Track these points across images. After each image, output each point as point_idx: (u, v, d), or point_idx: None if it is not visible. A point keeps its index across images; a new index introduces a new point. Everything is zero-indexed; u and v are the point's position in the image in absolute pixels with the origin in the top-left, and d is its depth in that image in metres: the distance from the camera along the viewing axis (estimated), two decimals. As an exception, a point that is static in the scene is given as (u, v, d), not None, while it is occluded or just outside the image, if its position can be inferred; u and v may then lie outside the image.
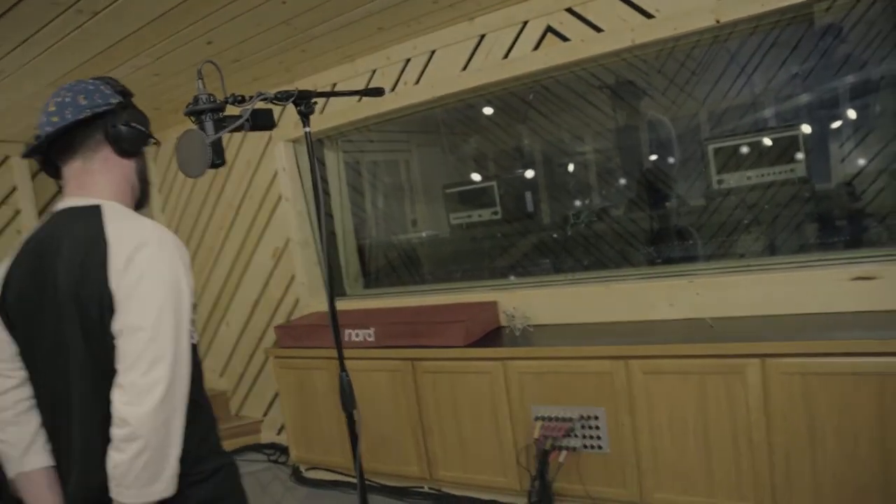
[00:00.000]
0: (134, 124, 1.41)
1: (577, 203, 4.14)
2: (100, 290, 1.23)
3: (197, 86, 1.62)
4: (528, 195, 4.10)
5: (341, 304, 3.97)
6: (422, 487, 3.31)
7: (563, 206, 4.18)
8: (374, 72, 3.56)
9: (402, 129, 4.61)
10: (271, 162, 4.09)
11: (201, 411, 1.39)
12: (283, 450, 4.15)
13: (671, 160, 3.75)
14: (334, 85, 3.71)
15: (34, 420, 1.40)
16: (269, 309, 4.32)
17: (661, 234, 3.69)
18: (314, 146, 4.18)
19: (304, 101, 1.88)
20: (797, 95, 3.24)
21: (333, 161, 4.21)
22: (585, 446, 2.70)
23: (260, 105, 1.73)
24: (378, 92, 2.15)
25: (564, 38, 2.95)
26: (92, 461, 1.27)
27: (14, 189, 4.20)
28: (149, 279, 1.25)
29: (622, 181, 4.00)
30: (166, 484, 1.23)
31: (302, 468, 3.82)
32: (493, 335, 3.16)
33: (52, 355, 1.31)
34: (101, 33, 2.63)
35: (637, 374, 2.55)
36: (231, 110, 1.63)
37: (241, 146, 4.24)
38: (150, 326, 1.22)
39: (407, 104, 3.46)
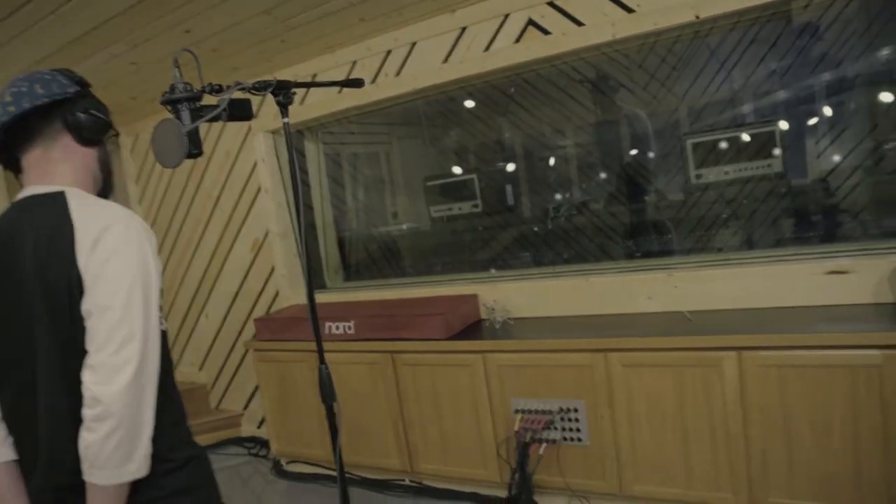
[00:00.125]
0: (93, 112, 1.41)
1: (558, 196, 4.15)
2: (68, 272, 1.23)
3: (173, 74, 1.60)
4: (509, 188, 4.10)
5: (321, 297, 3.95)
6: (403, 480, 3.31)
7: (543, 200, 4.19)
8: (354, 63, 3.54)
9: (383, 121, 4.59)
10: (251, 153, 4.05)
11: (171, 401, 1.38)
12: (264, 443, 4.12)
13: (651, 155, 3.78)
14: (314, 76, 3.68)
15: None
16: (248, 301, 4.28)
17: (641, 228, 3.72)
18: (294, 137, 4.16)
19: (282, 92, 1.86)
20: (775, 92, 3.27)
21: (314, 152, 4.18)
22: (565, 439, 2.72)
23: (238, 95, 1.70)
24: (358, 83, 2.13)
25: (545, 32, 2.95)
26: (60, 448, 1.26)
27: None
28: (117, 258, 1.25)
29: (602, 175, 4.02)
30: (139, 464, 1.23)
31: (282, 461, 3.81)
32: (473, 328, 3.16)
33: (16, 343, 1.30)
34: (75, 20, 2.58)
35: (616, 366, 2.57)
36: (209, 100, 1.61)
37: (221, 137, 4.19)
38: (119, 305, 1.22)
39: (387, 96, 3.44)
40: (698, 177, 3.28)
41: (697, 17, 2.62)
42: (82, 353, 1.22)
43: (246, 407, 4.44)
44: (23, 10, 2.39)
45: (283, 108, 1.89)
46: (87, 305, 1.23)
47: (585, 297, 3.07)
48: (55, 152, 1.38)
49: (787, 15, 2.95)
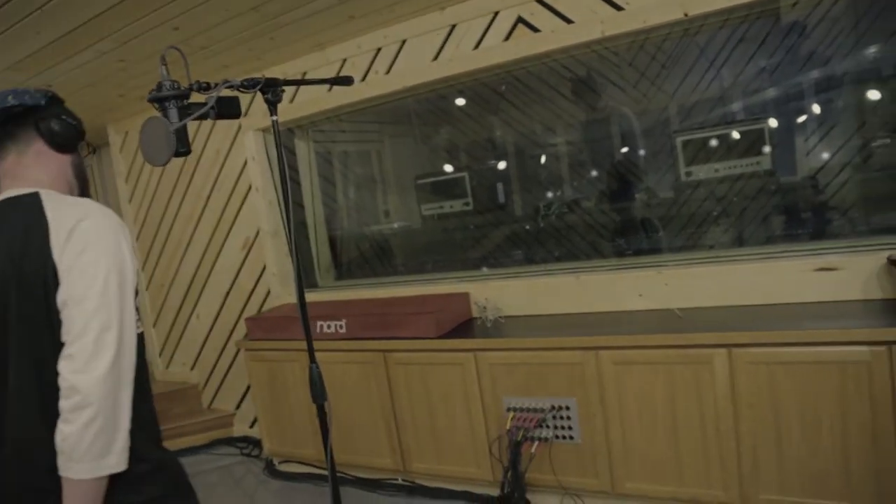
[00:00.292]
0: (65, 118, 1.45)
1: (549, 194, 4.15)
2: (43, 265, 1.23)
3: (160, 72, 1.58)
4: (500, 186, 4.10)
5: (313, 296, 3.94)
6: (395, 479, 3.31)
7: (534, 198, 4.20)
8: (344, 61, 3.53)
9: (373, 120, 4.58)
10: (241, 151, 4.03)
11: (146, 401, 1.38)
12: (256, 443, 4.11)
13: (641, 152, 3.79)
14: (304, 73, 3.67)
15: None
16: (240, 300, 4.26)
17: (631, 226, 3.72)
18: (285, 135, 4.14)
19: (271, 90, 1.84)
20: (764, 90, 3.28)
21: (304, 150, 4.17)
22: (557, 437, 2.72)
23: (226, 92, 1.69)
24: (347, 81, 2.12)
25: (535, 29, 2.95)
26: (29, 449, 1.25)
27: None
28: (92, 249, 1.26)
29: (593, 173, 4.03)
30: (118, 457, 1.22)
31: (275, 461, 3.80)
32: (464, 326, 3.16)
33: None
34: (61, 17, 2.56)
35: (607, 364, 2.58)
36: (197, 98, 1.60)
37: (210, 135, 4.17)
38: (95, 295, 1.23)
39: (378, 94, 3.43)
40: (688, 174, 3.29)
41: (686, 15, 2.62)
42: (55, 352, 1.22)
43: (238, 407, 4.42)
44: (7, 7, 2.36)
45: (272, 106, 1.88)
46: (62, 296, 1.23)
47: (576, 295, 3.08)
48: (28, 157, 1.41)
49: (775, 13, 2.96)
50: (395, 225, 4.60)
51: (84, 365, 1.19)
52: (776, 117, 3.19)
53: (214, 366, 4.50)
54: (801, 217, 3.23)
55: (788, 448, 2.29)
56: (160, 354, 4.84)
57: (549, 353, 2.70)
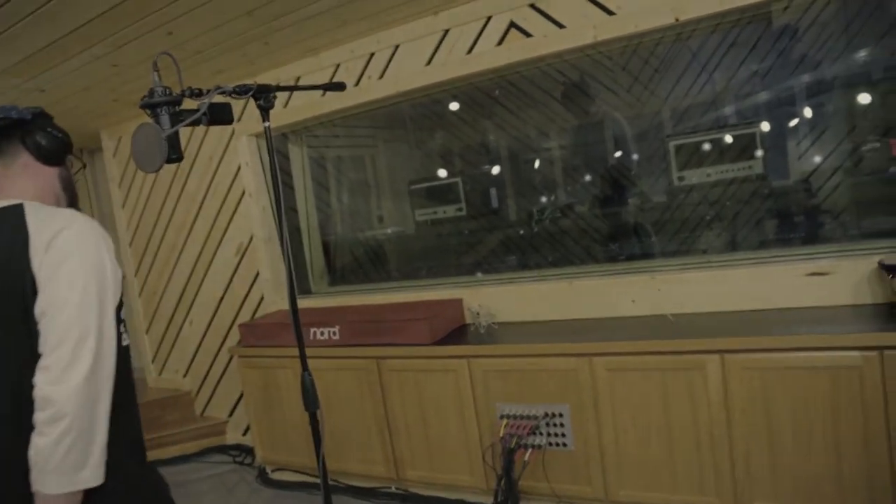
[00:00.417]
0: (51, 131, 1.46)
1: (543, 199, 4.16)
2: (22, 275, 1.23)
3: (152, 78, 1.58)
4: (493, 191, 4.10)
5: (306, 302, 3.93)
6: (389, 488, 3.29)
7: (528, 203, 4.20)
8: (338, 66, 3.52)
9: (367, 124, 4.58)
10: (234, 156, 4.02)
11: (127, 415, 1.37)
12: (249, 451, 4.09)
13: (635, 157, 3.80)
14: (298, 78, 3.66)
15: None
16: (233, 307, 4.25)
17: (624, 231, 3.73)
18: (278, 140, 4.14)
19: (263, 96, 1.84)
20: (756, 93, 3.30)
21: (298, 156, 4.16)
22: (550, 444, 2.71)
23: (219, 99, 1.69)
24: (340, 86, 2.12)
25: (527, 34, 2.95)
26: (7, 461, 1.22)
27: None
28: (71, 260, 1.25)
29: (587, 177, 4.03)
30: (93, 471, 1.20)
31: (268, 469, 3.78)
32: (458, 333, 3.16)
33: None
34: (55, 21, 2.55)
35: (601, 370, 2.57)
36: (189, 104, 1.60)
37: (204, 140, 4.16)
38: (73, 305, 1.22)
39: (371, 99, 3.43)
40: (681, 179, 3.30)
41: (677, 20, 2.63)
42: (31, 363, 1.21)
43: (231, 414, 4.40)
44: (0, 10, 2.36)
45: (265, 112, 1.88)
46: (40, 306, 1.22)
47: (570, 300, 3.08)
48: (15, 169, 1.42)
49: (766, 17, 2.97)
50: (389, 230, 4.60)
51: (59, 376, 1.17)
52: (768, 121, 3.20)
53: (207, 373, 4.48)
54: (794, 221, 3.24)
55: (781, 454, 2.29)
56: (153, 361, 4.81)
57: (542, 360, 2.70)
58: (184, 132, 1.55)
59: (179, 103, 1.60)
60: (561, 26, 2.88)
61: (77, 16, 2.53)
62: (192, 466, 4.10)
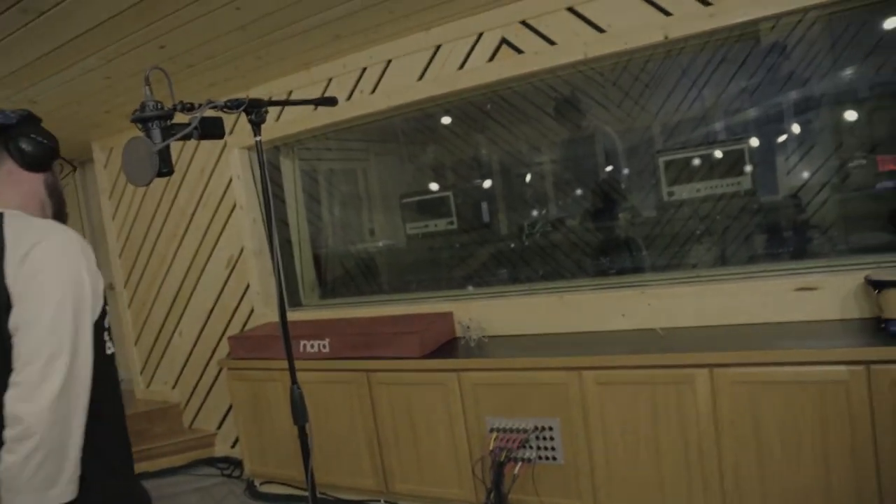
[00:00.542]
0: (36, 136, 1.42)
1: (534, 213, 4.17)
2: None
3: (144, 92, 1.58)
4: (484, 205, 4.12)
5: (297, 315, 3.92)
6: (378, 501, 3.28)
7: (519, 217, 4.21)
8: (330, 80, 3.54)
9: (360, 138, 4.59)
10: (226, 169, 4.02)
11: (109, 427, 1.34)
12: (238, 463, 4.06)
13: (625, 172, 3.82)
14: (290, 92, 3.68)
15: None
16: (223, 319, 4.23)
17: (615, 245, 3.75)
18: (270, 153, 4.15)
19: (255, 110, 1.85)
20: (745, 110, 3.33)
21: (289, 169, 4.17)
22: (540, 457, 2.71)
23: (210, 113, 1.69)
24: (331, 101, 2.13)
25: (519, 51, 2.99)
26: None
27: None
28: (46, 273, 1.23)
29: (578, 192, 4.06)
30: (64, 489, 1.17)
31: (256, 482, 3.75)
32: (448, 346, 3.16)
33: None
34: (47, 34, 2.57)
35: (590, 384, 2.58)
36: (180, 118, 1.60)
37: (195, 153, 4.16)
38: (47, 320, 1.20)
39: (363, 113, 3.45)
40: (670, 194, 3.32)
41: (667, 38, 2.67)
42: (9, 371, 1.18)
43: (220, 426, 4.37)
44: (-8, 24, 2.37)
45: (256, 126, 1.88)
46: (14, 321, 1.20)
47: (560, 314, 3.09)
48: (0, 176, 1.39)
49: (755, 35, 3.02)
50: (380, 243, 4.61)
51: (29, 393, 1.15)
52: (757, 137, 3.23)
53: (196, 385, 4.46)
54: (783, 236, 3.27)
55: (770, 467, 2.30)
56: (141, 373, 4.78)
57: (532, 374, 2.70)
58: (175, 144, 1.55)
59: (171, 117, 1.60)
60: (552, 43, 2.91)
61: (70, 29, 2.55)
62: (179, 479, 4.07)
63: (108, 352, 1.32)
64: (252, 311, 4.06)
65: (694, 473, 2.43)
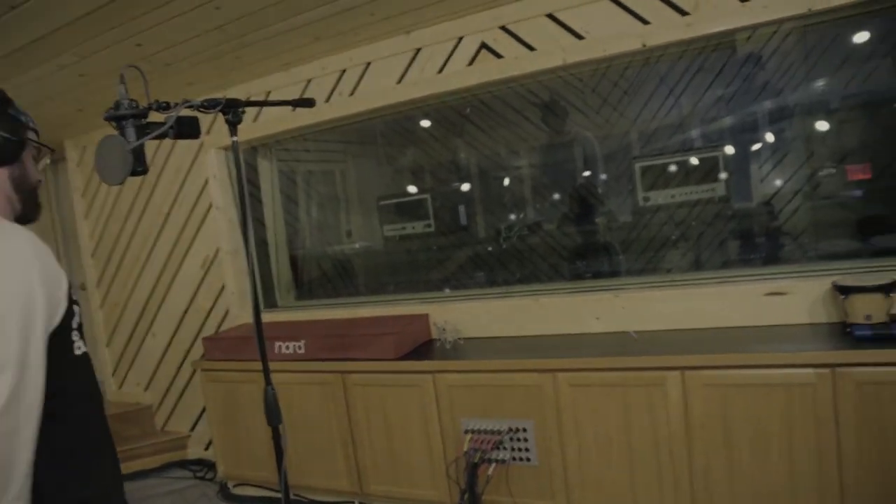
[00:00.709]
0: None
1: (511, 217, 4.20)
2: None
3: (119, 90, 1.57)
4: (462, 208, 4.13)
5: (273, 316, 3.90)
6: (352, 502, 3.27)
7: (496, 220, 4.23)
8: (309, 81, 3.54)
9: (338, 139, 4.58)
10: (202, 169, 3.99)
11: (76, 433, 1.26)
12: (211, 466, 4.02)
13: (603, 177, 3.86)
14: (268, 93, 3.67)
15: None
16: (197, 320, 4.19)
17: (590, 249, 3.78)
18: (248, 154, 4.12)
19: (231, 110, 1.85)
20: (721, 118, 3.39)
21: (267, 169, 4.15)
22: (514, 459, 2.73)
23: (186, 112, 1.69)
24: (309, 103, 2.13)
25: (498, 55, 3.01)
26: None
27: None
28: None
29: (555, 196, 4.09)
30: None
31: (230, 485, 3.72)
32: (423, 348, 3.16)
33: None
34: (20, 28, 2.52)
35: (564, 386, 2.60)
36: (156, 117, 1.59)
37: (172, 152, 4.13)
38: None
39: (342, 115, 3.45)
40: (646, 199, 3.36)
41: (644, 46, 2.71)
42: None
43: (193, 428, 4.33)
44: (-38, 19, 2.33)
45: (233, 126, 1.88)
46: None
47: (535, 317, 3.11)
48: None
49: (731, 45, 3.07)
50: (357, 245, 4.60)
51: None
52: (732, 145, 3.29)
53: (169, 386, 4.41)
54: (755, 242, 3.33)
55: (739, 469, 2.34)
56: (113, 374, 4.71)
57: (506, 375, 2.72)
58: (151, 143, 1.52)
59: (146, 116, 1.59)
60: (531, 48, 2.94)
61: (45, 24, 2.51)
62: (152, 482, 4.02)
63: (78, 352, 1.25)
64: (227, 312, 4.03)
65: (665, 474, 2.46)
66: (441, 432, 2.89)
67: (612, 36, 2.76)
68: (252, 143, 3.93)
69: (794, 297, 2.62)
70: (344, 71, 3.42)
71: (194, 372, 4.15)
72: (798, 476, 2.25)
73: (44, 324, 1.17)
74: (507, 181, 4.29)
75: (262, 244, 4.11)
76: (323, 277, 4.44)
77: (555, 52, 2.88)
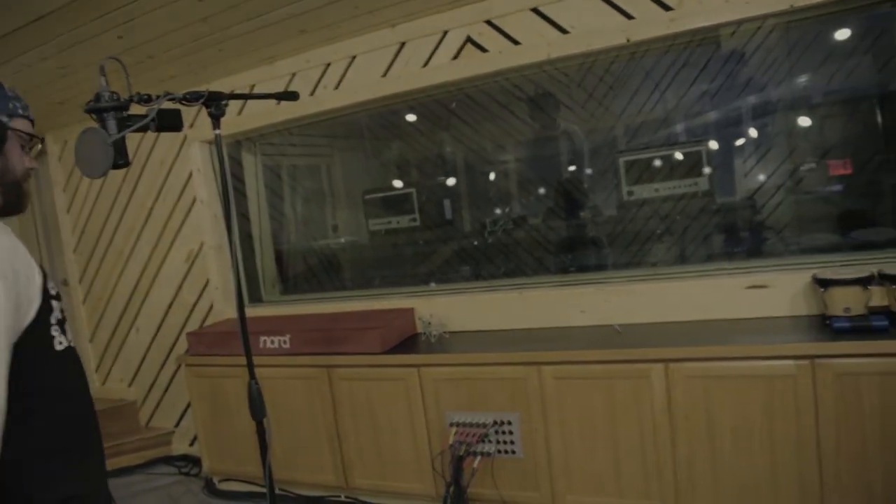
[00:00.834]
0: None
1: (497, 211, 4.21)
2: None
3: (100, 82, 1.56)
4: (447, 202, 4.13)
5: (258, 311, 3.89)
6: (338, 496, 3.27)
7: (482, 214, 4.24)
8: (293, 75, 3.52)
9: (324, 133, 4.57)
10: (186, 163, 3.96)
11: (59, 429, 1.24)
12: (196, 461, 4.00)
13: (588, 171, 3.88)
14: (252, 86, 3.64)
15: None
16: (181, 315, 4.17)
17: (575, 243, 3.80)
18: (232, 147, 4.10)
19: (214, 103, 1.83)
20: (705, 113, 3.41)
21: (251, 163, 4.12)
22: (499, 451, 2.74)
23: (168, 105, 1.68)
24: (293, 96, 2.12)
25: (483, 49, 3.01)
26: None
27: None
28: None
29: (541, 190, 4.10)
30: None
31: (215, 480, 3.70)
32: (409, 342, 3.17)
33: None
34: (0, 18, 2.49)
35: (549, 379, 2.62)
36: (137, 109, 1.58)
37: (155, 145, 4.09)
38: None
39: (326, 108, 3.44)
40: (630, 193, 3.38)
41: (629, 40, 2.72)
42: None
43: (177, 424, 4.30)
44: (-63, 9, 2.29)
45: (215, 119, 1.87)
46: None
47: (520, 310, 3.12)
48: None
49: (716, 40, 3.09)
50: (343, 239, 4.59)
51: None
52: (717, 140, 3.31)
53: (154, 382, 4.38)
54: (738, 236, 3.36)
55: (722, 459, 2.37)
56: (96, 370, 4.67)
57: (492, 369, 2.73)
58: (134, 136, 1.50)
59: (127, 108, 1.58)
60: (516, 43, 2.94)
61: (25, 14, 2.47)
62: (136, 478, 3.99)
63: (59, 348, 1.22)
64: (212, 307, 4.01)
65: (649, 466, 2.49)
66: (426, 425, 2.90)
67: (597, 30, 2.77)
68: (236, 137, 3.90)
69: (776, 290, 2.65)
70: (329, 64, 3.40)
71: (179, 367, 4.12)
72: (779, 465, 2.28)
73: (6, 322, 1.10)
74: (492, 175, 4.30)
75: (247, 238, 4.09)
76: (308, 272, 4.43)
77: (540, 46, 2.88)
